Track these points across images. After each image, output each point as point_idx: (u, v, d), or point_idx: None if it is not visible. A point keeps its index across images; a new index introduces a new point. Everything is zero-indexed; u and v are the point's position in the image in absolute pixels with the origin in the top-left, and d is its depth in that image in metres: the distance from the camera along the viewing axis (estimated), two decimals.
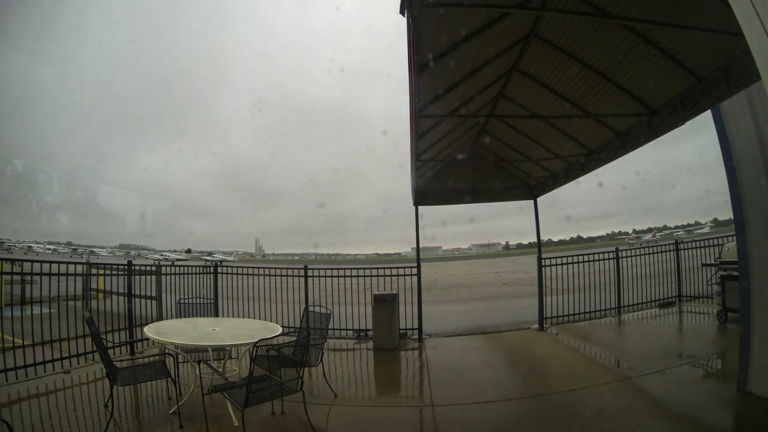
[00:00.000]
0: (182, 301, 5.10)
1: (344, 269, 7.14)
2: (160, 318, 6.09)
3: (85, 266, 6.79)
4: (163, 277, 6.65)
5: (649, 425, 3.35)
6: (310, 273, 7.04)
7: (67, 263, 5.32)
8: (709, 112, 3.94)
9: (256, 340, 3.34)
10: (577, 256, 7.49)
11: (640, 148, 5.00)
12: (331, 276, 7.09)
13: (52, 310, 5.03)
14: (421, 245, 7.19)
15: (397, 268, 6.98)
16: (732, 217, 3.86)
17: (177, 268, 7.00)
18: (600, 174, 6.13)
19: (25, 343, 4.63)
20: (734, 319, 5.99)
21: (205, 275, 7.18)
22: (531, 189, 7.62)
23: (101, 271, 7.71)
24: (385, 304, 6.14)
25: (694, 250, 8.24)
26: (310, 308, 4.82)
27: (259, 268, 7.35)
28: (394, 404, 4.17)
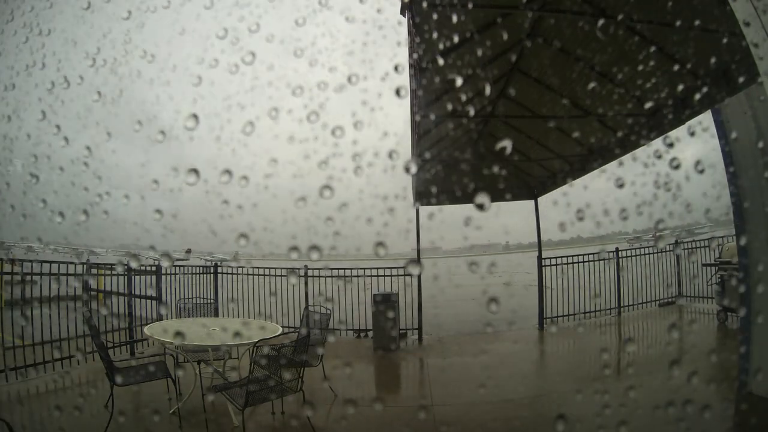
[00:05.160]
0: (182, 301, 5.10)
1: (344, 269, 7.14)
2: (160, 318, 6.09)
3: (85, 266, 6.78)
4: (163, 277, 6.65)
5: (650, 425, 3.35)
6: (310, 273, 7.04)
7: (67, 263, 5.32)
8: (709, 112, 3.94)
9: (256, 340, 3.35)
10: (578, 256, 7.49)
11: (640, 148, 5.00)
12: (331, 276, 7.09)
13: (52, 310, 5.03)
14: (421, 245, 7.18)
15: (398, 268, 6.97)
16: (732, 217, 3.85)
17: (177, 268, 7.00)
18: (600, 174, 6.12)
19: (25, 343, 4.63)
20: (734, 319, 5.99)
21: (205, 275, 7.18)
22: (531, 189, 7.62)
23: (101, 272, 7.71)
24: (385, 304, 6.14)
25: (694, 250, 8.24)
26: (310, 308, 4.83)
27: (259, 268, 7.34)
28: (394, 404, 4.17)
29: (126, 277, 5.98)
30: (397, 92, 1.71)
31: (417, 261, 6.83)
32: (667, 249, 8.17)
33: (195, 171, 1.61)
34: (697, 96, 3.89)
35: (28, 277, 5.08)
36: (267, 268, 7.33)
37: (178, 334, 3.87)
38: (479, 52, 3.83)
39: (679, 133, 4.45)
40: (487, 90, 4.86)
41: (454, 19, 3.13)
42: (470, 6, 3.03)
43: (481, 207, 1.33)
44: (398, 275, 6.89)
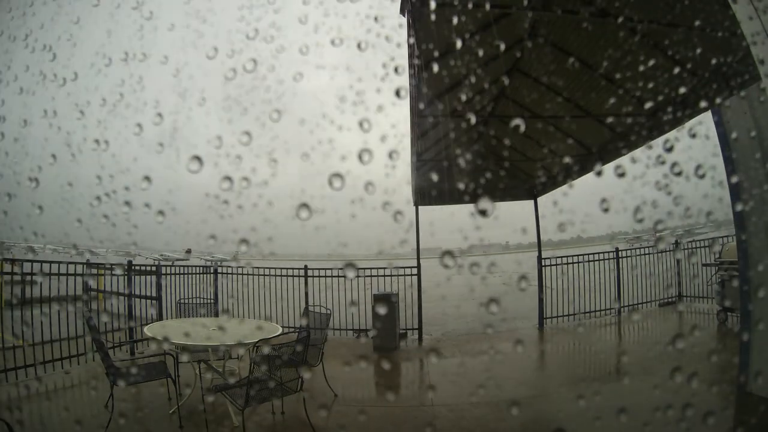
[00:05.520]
0: (182, 301, 5.10)
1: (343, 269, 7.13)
2: (160, 318, 6.09)
3: (84, 266, 6.78)
4: (163, 277, 6.65)
5: (649, 426, 3.35)
6: (310, 273, 7.05)
7: (67, 263, 5.32)
8: (709, 112, 3.94)
9: (256, 340, 3.35)
10: (577, 256, 7.49)
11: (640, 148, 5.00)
12: (331, 276, 7.09)
13: (52, 310, 5.02)
14: (420, 245, 7.18)
15: (398, 268, 6.97)
16: (732, 218, 3.85)
17: (177, 268, 7.01)
18: (599, 174, 6.11)
19: (25, 343, 4.64)
20: (734, 319, 5.99)
21: (205, 275, 7.19)
22: (531, 189, 7.62)
23: (101, 271, 7.71)
24: (385, 304, 6.14)
25: (694, 250, 8.24)
26: (310, 308, 4.83)
27: (259, 268, 7.34)
28: (394, 404, 4.17)
29: (126, 277, 5.98)
30: (397, 93, 1.71)
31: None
32: (667, 249, 8.17)
33: (198, 158, 1.58)
34: (697, 96, 3.89)
35: (28, 277, 5.08)
36: (267, 268, 7.33)
37: (178, 334, 3.87)
38: (479, 52, 3.83)
39: (679, 133, 4.45)
40: (487, 90, 4.86)
41: (454, 18, 3.14)
42: (470, 6, 3.03)
43: (483, 213, 1.31)
44: (398, 275, 6.89)
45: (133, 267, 6.12)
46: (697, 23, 3.11)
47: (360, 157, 1.38)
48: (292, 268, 7.25)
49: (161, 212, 1.94)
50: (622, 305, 7.44)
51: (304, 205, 1.49)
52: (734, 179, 3.73)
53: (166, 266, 7.23)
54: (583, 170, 6.23)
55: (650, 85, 4.14)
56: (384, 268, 6.99)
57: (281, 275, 7.15)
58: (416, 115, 4.15)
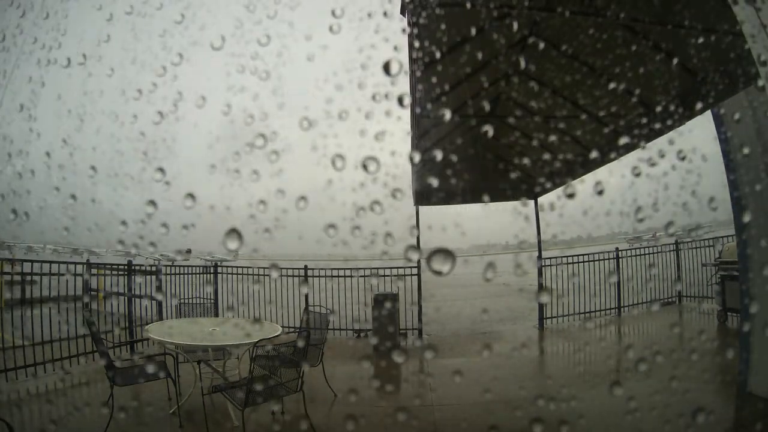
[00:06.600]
0: (182, 301, 5.10)
1: (344, 269, 7.14)
2: (160, 318, 6.09)
3: (84, 266, 6.79)
4: (164, 276, 6.66)
5: (650, 425, 3.35)
6: (309, 273, 7.05)
7: (67, 263, 5.33)
8: (709, 112, 3.94)
9: (256, 340, 3.35)
10: (577, 256, 7.49)
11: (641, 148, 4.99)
12: (331, 276, 7.09)
13: (52, 310, 5.03)
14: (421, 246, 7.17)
15: (398, 268, 6.97)
16: (732, 217, 3.85)
17: (177, 268, 7.01)
18: (600, 173, 6.12)
19: (25, 343, 4.64)
20: (734, 319, 5.99)
21: (205, 275, 7.19)
22: (531, 189, 7.61)
23: (101, 271, 7.71)
24: (385, 304, 6.14)
25: (694, 250, 8.24)
26: (311, 308, 4.83)
27: (259, 268, 7.34)
28: (394, 404, 4.17)
29: (126, 277, 5.98)
30: (400, 100, 1.70)
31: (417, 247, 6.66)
32: (667, 249, 8.17)
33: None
34: (697, 96, 3.89)
35: (28, 277, 5.09)
36: (267, 268, 7.33)
37: (178, 333, 3.87)
38: (479, 52, 3.83)
39: (678, 133, 4.45)
40: (487, 90, 4.86)
41: (454, 18, 3.14)
42: (470, 6, 3.03)
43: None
44: (398, 275, 6.88)
45: (133, 267, 6.12)
46: (697, 23, 3.11)
47: (365, 166, 1.37)
48: (292, 268, 7.25)
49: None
50: (622, 305, 7.44)
51: (302, 198, 1.47)
52: (734, 179, 3.73)
53: (166, 266, 7.24)
54: (583, 170, 6.23)
55: (650, 85, 4.14)
56: (384, 268, 6.99)
57: (281, 275, 7.14)
58: (416, 115, 4.15)
